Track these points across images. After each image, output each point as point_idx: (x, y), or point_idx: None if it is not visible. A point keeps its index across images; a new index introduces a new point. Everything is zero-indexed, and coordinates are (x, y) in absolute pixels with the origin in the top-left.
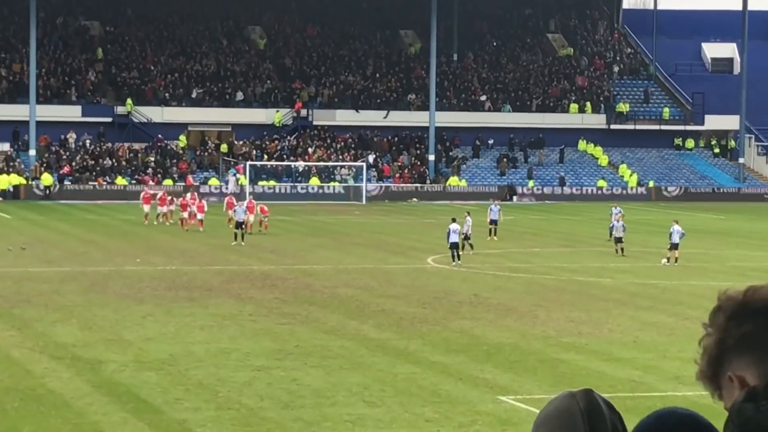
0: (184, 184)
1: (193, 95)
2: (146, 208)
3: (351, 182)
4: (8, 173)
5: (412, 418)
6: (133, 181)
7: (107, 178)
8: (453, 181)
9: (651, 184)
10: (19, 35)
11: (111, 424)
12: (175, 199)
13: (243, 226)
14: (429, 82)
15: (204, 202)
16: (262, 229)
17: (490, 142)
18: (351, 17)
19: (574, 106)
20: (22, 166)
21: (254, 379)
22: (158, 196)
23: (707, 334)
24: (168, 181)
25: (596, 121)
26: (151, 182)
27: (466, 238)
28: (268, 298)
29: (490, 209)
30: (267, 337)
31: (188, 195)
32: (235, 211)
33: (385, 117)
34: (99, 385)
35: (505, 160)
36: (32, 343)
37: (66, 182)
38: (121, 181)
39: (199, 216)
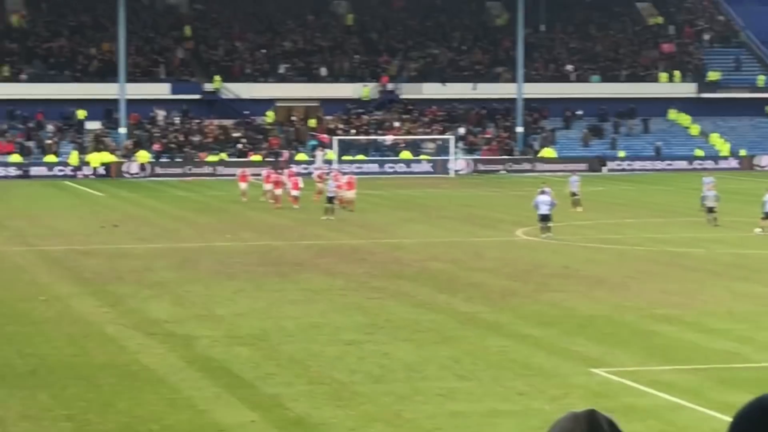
0: (278, 159)
1: (280, 71)
2: (243, 185)
3: (438, 155)
4: (99, 151)
5: (503, 391)
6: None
7: (211, 152)
8: (547, 152)
9: (743, 152)
10: (107, 14)
11: (204, 399)
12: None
13: (333, 201)
14: (516, 54)
15: (299, 178)
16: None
17: (579, 113)
18: None
19: (663, 75)
20: (114, 144)
21: (345, 354)
22: (265, 174)
23: None
24: (257, 157)
25: (686, 90)
26: (281, 157)
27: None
28: (358, 273)
29: (570, 181)
30: (357, 311)
31: (285, 171)
32: (327, 183)
33: (474, 89)
34: (192, 360)
35: (586, 130)
36: (126, 320)
37: (160, 159)
38: (212, 158)
39: (294, 193)
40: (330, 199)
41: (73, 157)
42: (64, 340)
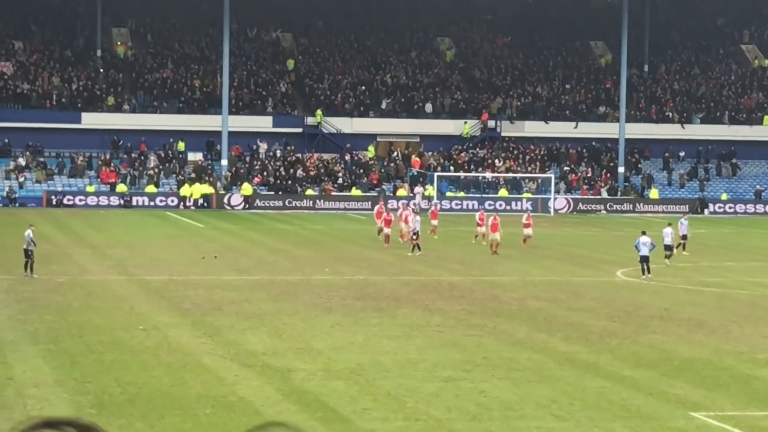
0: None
1: (382, 106)
2: (379, 223)
3: (539, 194)
4: (201, 183)
5: None
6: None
7: (335, 185)
8: (653, 193)
9: None
10: (212, 47)
11: None
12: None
13: (418, 236)
14: (619, 94)
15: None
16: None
17: (681, 154)
18: (540, 28)
19: (767, 119)
20: (215, 175)
21: (442, 391)
22: (400, 213)
23: None
24: (356, 191)
25: None
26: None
27: (667, 248)
28: (456, 309)
29: (681, 223)
30: (454, 348)
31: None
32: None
33: (575, 128)
34: (288, 393)
35: (683, 172)
36: (223, 351)
37: (260, 191)
38: (311, 192)
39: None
40: (416, 234)
41: (184, 189)
42: (162, 369)
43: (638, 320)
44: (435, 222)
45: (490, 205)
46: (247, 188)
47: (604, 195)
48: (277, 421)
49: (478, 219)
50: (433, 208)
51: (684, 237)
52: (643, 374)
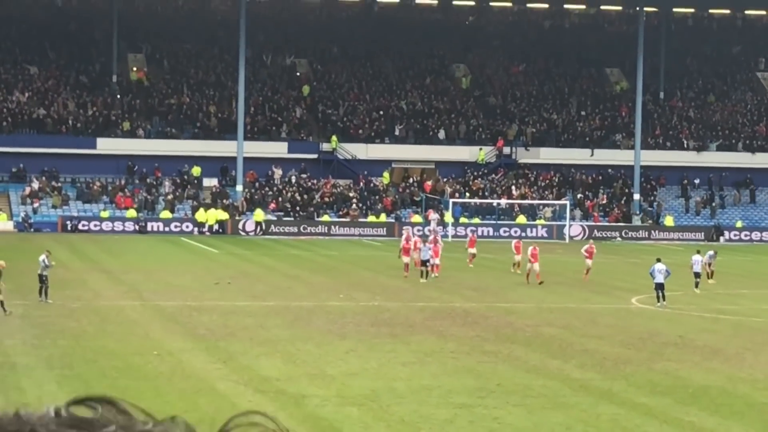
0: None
1: (396, 132)
2: (406, 259)
3: (553, 221)
4: (216, 208)
5: None
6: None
7: (358, 209)
8: (668, 220)
9: None
10: (228, 73)
11: None
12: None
13: (428, 264)
14: (635, 121)
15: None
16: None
17: (696, 181)
18: (555, 55)
19: None
20: (231, 201)
21: (456, 417)
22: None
23: None
24: (372, 217)
25: None
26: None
27: (697, 275)
28: (470, 336)
29: (709, 255)
30: (469, 374)
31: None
32: (420, 249)
33: (592, 155)
34: (302, 419)
35: (698, 200)
36: (237, 376)
37: (274, 217)
38: (326, 218)
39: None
40: (424, 263)
41: (199, 214)
42: (176, 395)
43: (653, 347)
44: (473, 250)
45: (505, 231)
46: (259, 214)
47: (620, 222)
48: (255, 410)
49: (514, 248)
50: (470, 234)
51: (709, 264)
52: (657, 401)
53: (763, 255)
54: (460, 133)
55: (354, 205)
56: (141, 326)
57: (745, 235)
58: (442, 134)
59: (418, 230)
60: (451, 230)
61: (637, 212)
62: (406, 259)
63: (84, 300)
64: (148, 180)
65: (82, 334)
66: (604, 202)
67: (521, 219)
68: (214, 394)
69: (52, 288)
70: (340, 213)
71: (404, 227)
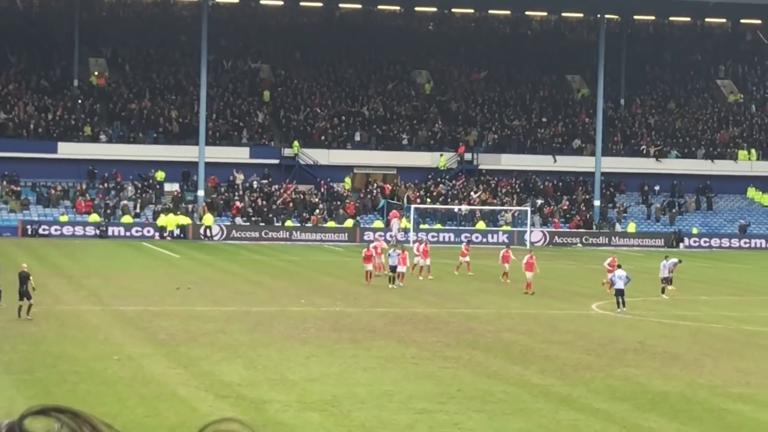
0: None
1: (359, 138)
2: (368, 266)
3: (514, 227)
4: (177, 213)
5: None
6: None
7: (329, 216)
8: (631, 227)
9: None
10: (189, 77)
11: None
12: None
13: (396, 270)
14: (595, 128)
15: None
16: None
17: (656, 188)
18: (517, 62)
19: (743, 153)
20: (191, 206)
21: (416, 422)
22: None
23: None
24: (332, 223)
25: (766, 168)
26: (417, 238)
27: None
28: (431, 341)
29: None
30: (429, 380)
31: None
32: (389, 255)
33: (555, 162)
34: (263, 424)
35: (658, 207)
36: (198, 382)
37: (236, 222)
38: (289, 223)
39: (425, 262)
40: (393, 268)
41: (161, 219)
42: (137, 400)
43: (613, 353)
44: (425, 261)
45: (466, 237)
46: (208, 218)
47: (580, 228)
48: (230, 417)
49: (501, 257)
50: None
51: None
52: (617, 407)
53: (722, 261)
54: (422, 139)
55: (317, 210)
56: (101, 331)
57: (705, 242)
58: (404, 140)
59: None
60: (412, 236)
61: (597, 219)
62: (368, 266)
63: (44, 305)
64: (108, 185)
65: (42, 339)
66: (566, 208)
67: (481, 225)
68: (175, 400)
69: (6, 293)
70: (303, 218)
71: (378, 234)
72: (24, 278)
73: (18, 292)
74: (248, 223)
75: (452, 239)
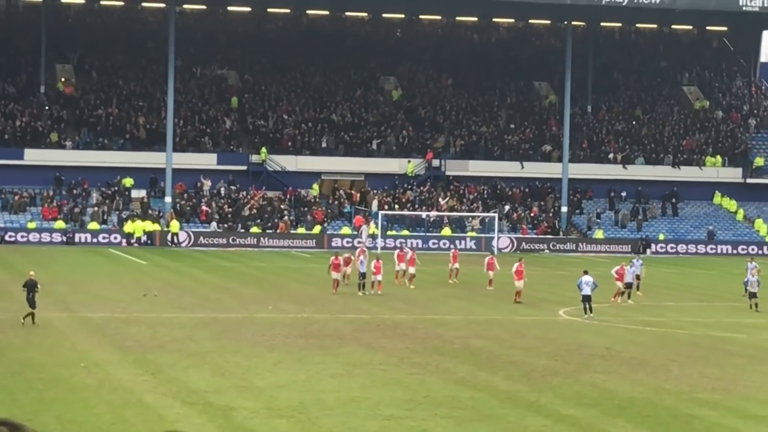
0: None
1: (326, 144)
2: (335, 275)
3: (482, 233)
4: (144, 220)
5: None
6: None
7: (289, 221)
8: (599, 233)
9: None
10: (157, 84)
11: None
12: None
13: (364, 277)
14: (563, 134)
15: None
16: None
17: (623, 194)
18: (485, 68)
19: (710, 160)
20: (158, 212)
21: (384, 429)
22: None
23: None
24: (301, 229)
25: (732, 174)
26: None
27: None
28: (399, 348)
29: (635, 264)
30: (397, 386)
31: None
32: (361, 262)
33: (522, 168)
34: (230, 431)
35: (625, 213)
36: (165, 389)
37: (202, 228)
38: (256, 229)
39: (411, 270)
40: (362, 275)
41: (128, 226)
42: (104, 407)
43: (580, 359)
44: (409, 268)
45: (434, 243)
46: (175, 225)
47: (547, 234)
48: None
49: (486, 264)
50: (453, 250)
51: (637, 277)
52: (584, 413)
53: (688, 267)
54: (390, 145)
55: (285, 217)
56: (68, 338)
57: (671, 248)
58: (372, 146)
59: (360, 241)
60: (380, 242)
61: (564, 225)
62: (335, 275)
63: (10, 312)
64: (75, 191)
65: (8, 346)
66: (533, 215)
67: (446, 231)
68: (142, 407)
69: None
70: (270, 224)
71: (358, 241)
72: (32, 286)
73: (26, 300)
74: (216, 230)
75: (420, 246)
